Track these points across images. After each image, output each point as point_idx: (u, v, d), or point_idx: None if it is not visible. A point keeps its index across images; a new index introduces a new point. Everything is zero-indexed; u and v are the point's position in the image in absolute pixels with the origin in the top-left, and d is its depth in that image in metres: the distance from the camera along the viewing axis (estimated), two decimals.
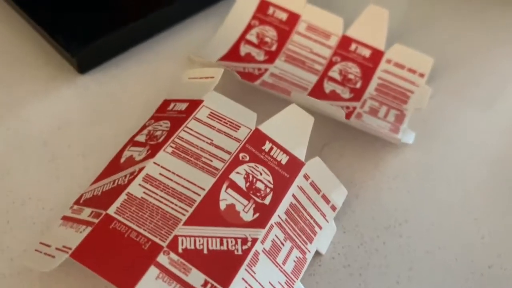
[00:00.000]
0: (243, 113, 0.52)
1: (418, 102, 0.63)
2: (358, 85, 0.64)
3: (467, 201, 0.56)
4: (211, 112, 0.52)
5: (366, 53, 0.66)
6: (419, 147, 0.61)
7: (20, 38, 0.66)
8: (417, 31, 0.73)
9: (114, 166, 0.51)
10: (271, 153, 0.50)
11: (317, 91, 0.63)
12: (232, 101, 0.53)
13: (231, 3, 0.71)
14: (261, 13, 0.70)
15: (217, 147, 0.49)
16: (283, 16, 0.70)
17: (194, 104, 0.53)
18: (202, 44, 0.69)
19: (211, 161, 0.47)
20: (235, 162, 0.48)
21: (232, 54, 0.67)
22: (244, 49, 0.68)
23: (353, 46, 0.66)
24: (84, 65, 0.64)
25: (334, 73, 0.65)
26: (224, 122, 0.51)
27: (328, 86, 0.64)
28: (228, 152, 0.48)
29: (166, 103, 0.58)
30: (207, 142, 0.49)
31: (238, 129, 0.51)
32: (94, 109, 0.61)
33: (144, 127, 0.56)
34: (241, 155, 0.49)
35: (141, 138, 0.53)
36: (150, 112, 0.58)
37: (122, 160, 0.52)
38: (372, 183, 0.57)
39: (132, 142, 0.54)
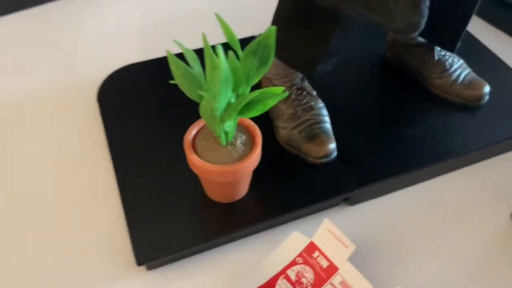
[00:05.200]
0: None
1: None
2: None
3: None
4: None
5: None
6: None
7: None
8: None
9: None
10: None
11: None
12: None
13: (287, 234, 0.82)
14: (307, 254, 0.80)
15: None
16: (325, 263, 0.78)
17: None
18: (245, 269, 0.79)
19: None
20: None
21: (267, 286, 0.77)
22: (280, 283, 0.77)
23: None
24: None
25: None
26: None
27: None
28: None
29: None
30: None
31: None
32: None
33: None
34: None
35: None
36: None
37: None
38: None
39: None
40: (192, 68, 0.64)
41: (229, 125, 0.70)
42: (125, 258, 0.80)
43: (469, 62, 1.05)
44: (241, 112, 0.68)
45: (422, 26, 0.62)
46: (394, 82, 1.08)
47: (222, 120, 0.66)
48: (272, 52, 0.62)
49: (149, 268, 0.80)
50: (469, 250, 0.83)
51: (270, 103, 0.65)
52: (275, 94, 0.64)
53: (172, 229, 0.81)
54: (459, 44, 0.97)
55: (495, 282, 0.80)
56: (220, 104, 0.61)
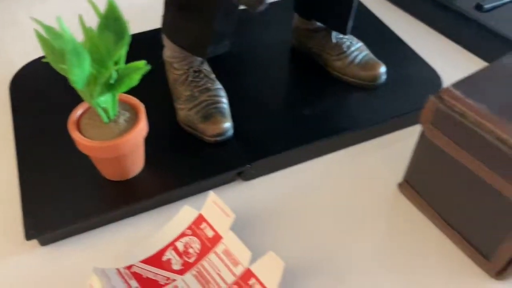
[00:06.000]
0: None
1: None
2: None
3: None
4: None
5: None
6: None
7: None
8: None
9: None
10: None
11: None
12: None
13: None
14: (196, 225, 0.84)
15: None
16: (210, 233, 0.82)
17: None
18: (138, 242, 0.83)
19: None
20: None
21: (155, 258, 0.80)
22: (168, 254, 0.81)
23: (252, 281, 0.76)
24: None
25: None
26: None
27: None
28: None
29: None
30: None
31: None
32: None
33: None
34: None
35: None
36: None
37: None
38: None
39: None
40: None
41: (105, 101, 0.74)
42: (18, 233, 0.83)
43: (373, 44, 1.11)
44: (112, 87, 0.72)
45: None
46: (298, 66, 1.12)
47: (92, 95, 0.70)
48: (125, 25, 0.66)
49: (42, 243, 0.83)
50: (354, 221, 0.88)
51: (136, 77, 0.69)
52: (139, 68, 0.68)
53: (65, 204, 0.84)
54: (349, 26, 1.02)
55: (381, 247, 0.84)
56: (76, 76, 0.64)
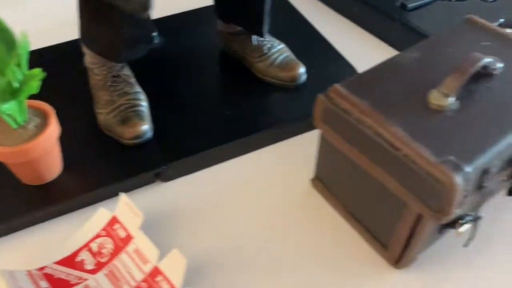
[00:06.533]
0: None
1: None
2: None
3: None
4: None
5: (166, 287, 0.78)
6: None
7: None
8: None
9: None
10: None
11: None
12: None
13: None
14: (110, 226, 0.86)
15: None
16: (123, 234, 0.85)
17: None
18: (55, 244, 0.85)
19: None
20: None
21: (69, 259, 0.83)
22: (82, 255, 0.83)
23: (159, 278, 0.78)
24: None
25: None
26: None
27: None
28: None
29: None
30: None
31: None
32: None
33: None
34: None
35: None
36: None
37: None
38: None
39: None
40: None
41: (9, 108, 0.76)
42: None
43: (298, 45, 1.14)
44: (16, 95, 0.74)
45: (151, 5, 0.70)
46: (225, 69, 1.16)
47: None
48: (11, 35, 0.69)
49: None
50: (268, 217, 0.91)
51: (34, 84, 0.72)
52: (35, 75, 0.71)
53: None
54: (266, 28, 1.06)
55: (291, 241, 0.87)
56: None
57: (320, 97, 0.77)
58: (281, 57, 1.09)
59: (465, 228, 0.74)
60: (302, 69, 1.07)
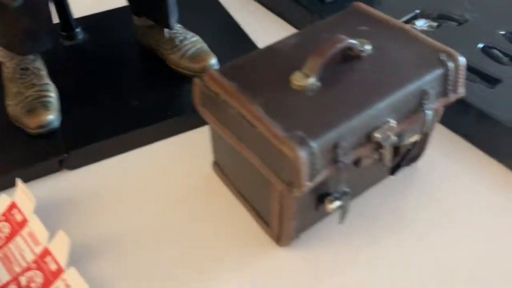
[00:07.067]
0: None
1: None
2: None
3: None
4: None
5: (53, 266, 0.80)
6: None
7: None
8: None
9: None
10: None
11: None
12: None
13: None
14: (9, 212, 0.89)
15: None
16: (19, 218, 0.88)
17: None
18: None
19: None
20: None
21: None
22: None
23: (48, 258, 0.81)
24: None
25: (23, 278, 0.80)
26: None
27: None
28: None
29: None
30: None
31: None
32: None
33: None
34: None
35: None
36: None
37: None
38: None
39: None
40: None
41: None
42: None
43: (216, 36, 1.18)
44: None
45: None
46: (142, 62, 1.19)
47: None
48: None
49: None
50: (168, 202, 0.94)
51: None
52: None
53: None
54: (173, 21, 1.09)
55: (193, 224, 0.90)
56: None
57: (196, 81, 0.80)
58: (193, 49, 1.12)
59: (335, 204, 0.77)
60: (213, 60, 1.11)
